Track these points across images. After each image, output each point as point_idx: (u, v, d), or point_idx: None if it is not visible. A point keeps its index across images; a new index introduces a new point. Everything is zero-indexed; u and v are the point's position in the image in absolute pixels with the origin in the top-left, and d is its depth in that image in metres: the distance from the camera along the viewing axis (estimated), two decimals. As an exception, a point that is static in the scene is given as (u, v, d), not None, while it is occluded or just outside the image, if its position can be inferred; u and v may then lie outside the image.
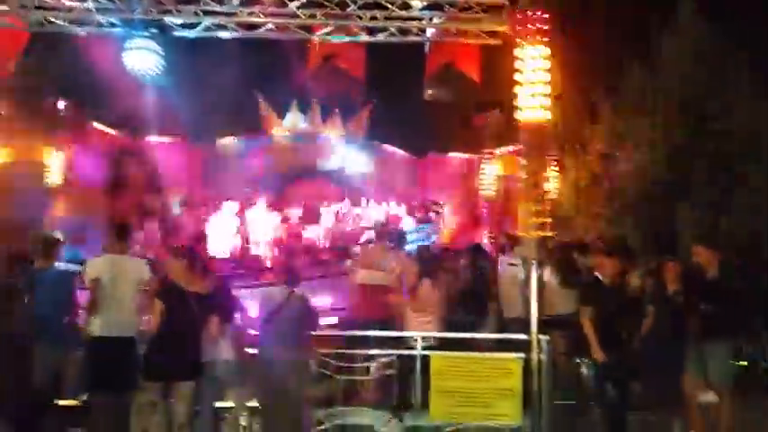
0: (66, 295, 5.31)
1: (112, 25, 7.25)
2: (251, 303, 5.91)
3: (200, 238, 8.53)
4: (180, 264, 5.05)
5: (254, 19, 7.37)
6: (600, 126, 12.74)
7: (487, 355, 5.78)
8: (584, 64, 12.15)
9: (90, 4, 7.11)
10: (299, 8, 7.36)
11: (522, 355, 5.65)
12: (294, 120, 15.82)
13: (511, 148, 12.84)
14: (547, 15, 7.07)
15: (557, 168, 12.17)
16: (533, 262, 6.08)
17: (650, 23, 12.11)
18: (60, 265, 5.41)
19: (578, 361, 6.29)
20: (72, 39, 7.89)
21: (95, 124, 13.91)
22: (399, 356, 5.98)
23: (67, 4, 7.17)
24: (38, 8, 7.22)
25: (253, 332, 5.66)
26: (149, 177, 14.06)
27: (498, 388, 5.43)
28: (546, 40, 6.88)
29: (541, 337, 5.70)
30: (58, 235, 5.59)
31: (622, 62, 12.26)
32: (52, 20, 7.32)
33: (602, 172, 12.34)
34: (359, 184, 15.61)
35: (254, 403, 5.56)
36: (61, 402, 5.13)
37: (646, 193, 11.44)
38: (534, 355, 5.69)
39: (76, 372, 5.32)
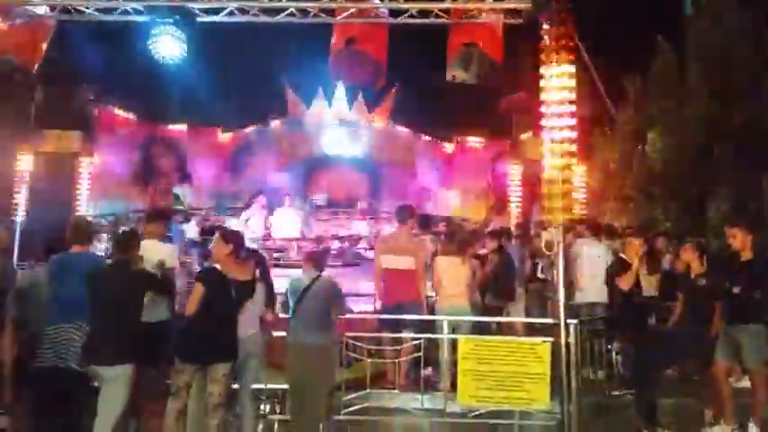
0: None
1: (138, 12, 7.30)
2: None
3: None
4: (224, 248, 5.09)
5: (275, 4, 7.35)
6: (629, 107, 12.52)
7: (515, 338, 5.74)
8: (613, 43, 11.93)
9: (115, -8, 7.17)
10: (320, -9, 7.32)
11: (550, 338, 5.59)
12: (320, 106, 15.82)
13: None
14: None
15: (585, 151, 11.97)
16: (560, 245, 5.98)
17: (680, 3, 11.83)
18: (94, 249, 5.51)
19: (609, 347, 6.25)
20: (99, 27, 7.96)
21: (123, 112, 14.13)
22: (428, 340, 5.96)
23: (93, -8, 7.24)
24: (65, -3, 7.31)
25: (282, 316, 5.70)
26: (177, 166, 14.25)
27: (527, 372, 5.38)
28: (570, 18, 6.73)
29: (570, 321, 5.63)
30: (91, 221, 5.68)
31: (651, 42, 12.00)
32: (79, 8, 7.41)
33: (632, 154, 12.13)
34: (384, 171, 15.56)
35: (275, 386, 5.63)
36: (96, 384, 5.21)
37: (676, 176, 11.23)
38: (562, 339, 5.63)
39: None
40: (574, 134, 6.72)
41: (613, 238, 7.56)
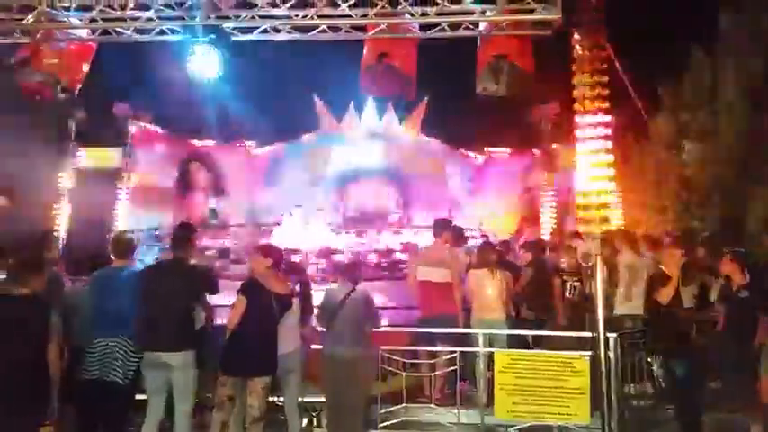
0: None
1: (174, 33, 7.50)
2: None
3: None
4: (264, 262, 5.17)
5: (307, 21, 7.47)
6: (663, 115, 12.33)
7: (553, 352, 5.66)
8: (645, 51, 11.79)
9: (152, 14, 7.37)
10: (350, 8, 7.41)
11: (589, 352, 5.50)
12: (350, 120, 15.96)
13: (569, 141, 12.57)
14: (602, 3, 6.90)
15: (619, 161, 11.80)
16: (598, 258, 5.90)
17: (713, 8, 11.64)
18: (135, 264, 5.62)
19: (648, 360, 6.12)
20: (137, 48, 8.18)
21: (161, 129, 14.48)
22: (463, 353, 5.92)
23: (131, 14, 7.46)
24: (105, 20, 7.54)
25: (318, 328, 5.73)
26: (214, 181, 14.52)
27: (566, 386, 5.30)
28: (602, 29, 6.70)
29: (609, 334, 5.53)
30: (132, 236, 5.81)
31: (685, 49, 11.83)
32: (118, 30, 7.64)
33: (668, 163, 11.93)
34: (414, 183, 15.58)
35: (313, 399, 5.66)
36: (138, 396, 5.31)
37: (714, 183, 11.01)
38: (602, 353, 5.54)
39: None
40: (609, 144, 6.67)
41: (656, 249, 7.40)
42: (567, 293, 7.14)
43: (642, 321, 6.74)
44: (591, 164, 6.36)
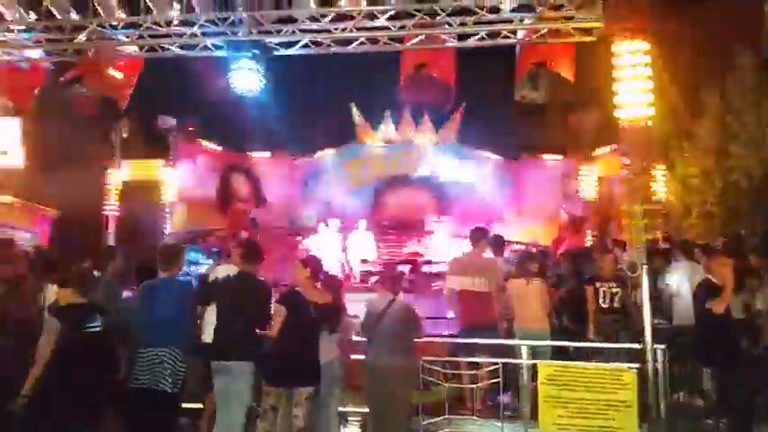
0: (187, 303, 5.61)
1: (218, 48, 7.69)
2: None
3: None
4: (304, 272, 5.23)
5: (347, 34, 7.56)
6: (708, 120, 12.03)
7: (599, 365, 5.56)
8: (689, 55, 11.53)
9: (197, 30, 7.58)
10: (389, 20, 7.48)
11: (636, 365, 5.39)
12: (387, 129, 16.02)
13: (611, 148, 12.37)
14: (645, 7, 6.79)
15: (663, 167, 11.56)
16: (644, 266, 5.79)
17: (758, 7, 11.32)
18: (182, 274, 5.75)
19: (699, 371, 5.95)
20: (181, 62, 8.43)
21: (203, 142, 14.84)
22: (506, 364, 5.87)
23: (177, 30, 7.69)
24: (151, 36, 7.80)
25: (359, 339, 5.76)
26: (254, 191, 14.77)
27: (612, 399, 5.20)
28: (645, 33, 6.59)
29: (657, 345, 5.41)
30: (178, 247, 5.95)
31: (730, 51, 11.53)
32: (164, 46, 7.88)
33: (714, 168, 11.63)
34: (453, 190, 15.52)
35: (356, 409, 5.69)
36: (184, 405, 5.42)
37: (761, 189, 10.68)
38: (649, 365, 5.42)
39: (196, 377, 5.63)
40: (653, 151, 6.54)
41: (711, 257, 7.17)
42: (601, 301, 6.77)
43: (690, 332, 6.59)
44: (635, 171, 6.24)
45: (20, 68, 8.50)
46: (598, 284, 6.70)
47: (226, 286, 5.29)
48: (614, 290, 6.62)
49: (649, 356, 5.34)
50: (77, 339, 4.44)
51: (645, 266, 5.71)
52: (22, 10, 7.80)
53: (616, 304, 6.60)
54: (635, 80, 6.36)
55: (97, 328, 4.58)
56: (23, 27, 7.95)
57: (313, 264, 5.41)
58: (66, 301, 4.67)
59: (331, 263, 10.02)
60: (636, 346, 5.60)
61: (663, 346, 5.42)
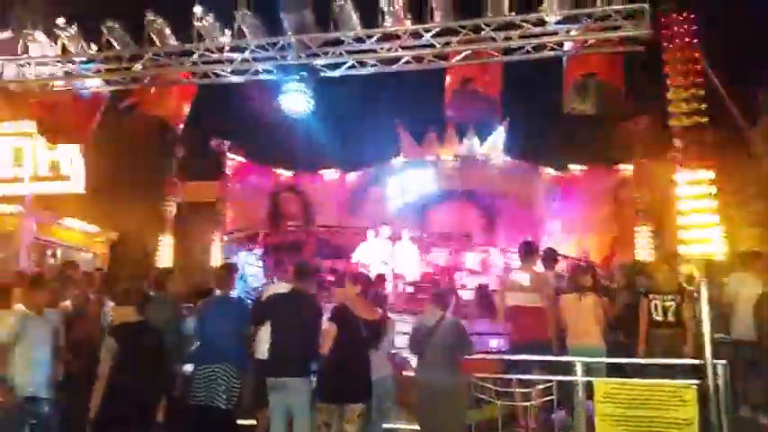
0: (240, 320, 5.75)
1: (268, 72, 7.92)
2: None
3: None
4: (354, 289, 5.31)
5: (392, 54, 7.67)
6: (764, 125, 11.60)
7: (657, 381, 5.40)
8: (744, 60, 11.19)
9: (248, 55, 7.84)
10: (433, 37, 7.55)
11: (696, 381, 5.21)
12: (432, 144, 16.07)
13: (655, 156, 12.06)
14: (694, 15, 6.67)
15: (718, 175, 11.17)
16: (703, 279, 5.61)
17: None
18: (235, 292, 5.93)
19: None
20: (233, 86, 8.70)
21: (255, 162, 15.25)
22: (560, 381, 5.76)
23: (228, 56, 7.96)
24: (204, 63, 8.10)
25: (408, 356, 5.77)
26: (303, 209, 15.05)
27: (672, 417, 5.03)
28: (696, 41, 6.47)
29: (718, 361, 5.22)
30: (233, 266, 6.13)
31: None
32: (217, 72, 8.17)
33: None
34: (500, 204, 15.40)
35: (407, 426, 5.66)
36: (239, 421, 5.54)
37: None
38: (710, 382, 5.23)
39: (251, 392, 5.75)
40: (708, 160, 6.39)
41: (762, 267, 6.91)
42: (654, 315, 6.46)
43: (751, 346, 6.33)
44: (690, 182, 6.09)
45: (81, 97, 8.95)
46: (651, 297, 6.46)
47: (280, 304, 5.38)
48: (668, 303, 6.33)
49: (710, 372, 5.15)
50: (133, 357, 4.62)
51: (704, 278, 5.54)
52: (83, 43, 8.24)
53: (670, 318, 6.30)
54: (687, 88, 6.25)
55: (153, 346, 4.76)
56: (85, 58, 8.39)
57: (363, 280, 5.46)
58: (123, 320, 4.87)
59: (380, 270, 10.00)
60: (695, 361, 5.41)
61: (724, 362, 5.23)
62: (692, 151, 6.40)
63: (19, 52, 8.62)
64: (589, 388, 5.47)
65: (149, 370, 4.67)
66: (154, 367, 4.72)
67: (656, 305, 6.38)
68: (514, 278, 6.96)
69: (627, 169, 14.54)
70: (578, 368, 5.65)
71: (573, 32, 7.42)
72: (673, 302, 6.32)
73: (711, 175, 6.24)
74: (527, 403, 5.92)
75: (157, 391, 4.74)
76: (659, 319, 6.35)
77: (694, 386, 5.14)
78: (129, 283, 5.57)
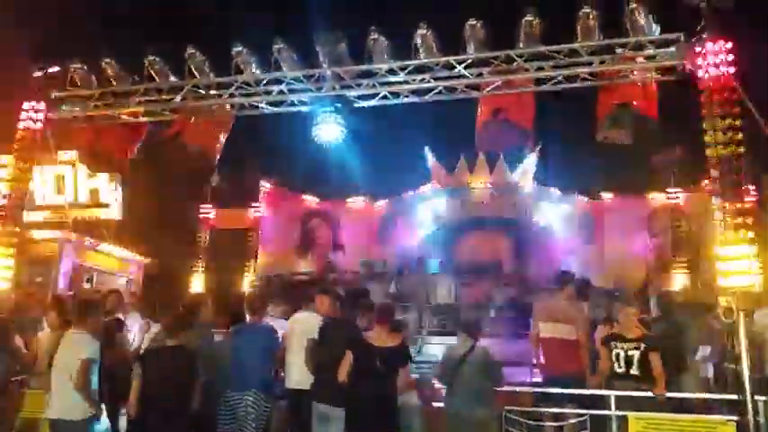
0: (270, 348, 5.79)
1: (302, 103, 8.12)
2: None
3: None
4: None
5: (424, 85, 7.79)
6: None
7: (693, 416, 5.26)
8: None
9: (284, 87, 8.05)
10: (466, 68, 7.64)
11: (734, 417, 5.07)
12: (462, 172, 16.11)
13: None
14: (730, 44, 6.62)
15: (756, 206, 10.94)
16: (741, 311, 5.49)
17: None
18: (267, 320, 5.96)
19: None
20: (268, 117, 8.92)
21: (288, 189, 15.49)
22: (593, 415, 5.64)
23: (265, 88, 8.19)
24: (242, 95, 8.34)
25: (438, 385, 5.73)
26: (333, 236, 15.17)
27: (710, 454, 4.90)
28: (733, 69, 6.42)
29: (758, 397, 5.08)
30: (263, 293, 6.20)
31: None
32: (254, 104, 8.40)
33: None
34: (531, 232, 15.29)
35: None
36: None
37: None
38: (750, 418, 5.08)
39: (281, 420, 5.77)
40: (746, 191, 6.28)
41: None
42: (615, 365, 5.71)
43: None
44: (728, 213, 6.00)
45: (122, 127, 9.27)
46: (613, 344, 5.72)
47: (326, 332, 5.41)
48: (631, 352, 5.65)
49: (750, 408, 5.00)
50: (163, 380, 4.73)
51: (742, 312, 5.42)
52: (126, 75, 8.57)
53: (634, 370, 5.59)
54: (724, 117, 6.18)
55: (185, 369, 4.85)
56: (127, 89, 8.71)
57: (382, 309, 5.44)
58: (157, 344, 4.98)
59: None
60: (733, 397, 5.26)
61: (765, 398, 5.08)
62: (729, 181, 6.28)
63: (66, 85, 8.98)
64: (623, 423, 5.35)
65: (183, 391, 4.76)
66: (187, 388, 4.82)
67: (617, 354, 5.67)
68: (549, 309, 6.88)
69: (661, 198, 14.33)
70: (612, 401, 5.54)
71: (606, 62, 7.44)
72: (636, 351, 5.56)
73: (748, 205, 6.12)
74: (559, 437, 5.82)
75: (188, 414, 4.83)
76: (620, 371, 5.61)
77: (732, 422, 5.00)
78: (163, 307, 5.69)
